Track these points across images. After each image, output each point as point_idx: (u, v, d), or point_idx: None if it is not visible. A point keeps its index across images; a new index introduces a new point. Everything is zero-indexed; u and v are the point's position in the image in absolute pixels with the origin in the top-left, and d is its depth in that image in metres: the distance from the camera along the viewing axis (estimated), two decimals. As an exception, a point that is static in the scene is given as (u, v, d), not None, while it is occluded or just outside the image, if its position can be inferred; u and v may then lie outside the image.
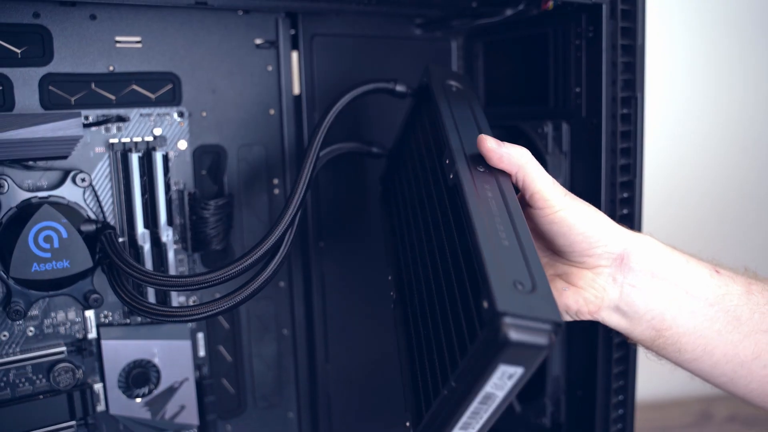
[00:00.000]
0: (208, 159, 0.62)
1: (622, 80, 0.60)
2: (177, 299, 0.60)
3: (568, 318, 0.51)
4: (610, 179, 0.61)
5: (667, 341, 0.50)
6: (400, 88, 0.58)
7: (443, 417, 0.39)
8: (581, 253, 0.49)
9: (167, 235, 0.57)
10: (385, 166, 0.64)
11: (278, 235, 0.51)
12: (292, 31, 0.64)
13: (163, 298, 0.59)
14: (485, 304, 0.36)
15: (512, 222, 0.43)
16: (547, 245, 0.51)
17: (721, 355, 0.50)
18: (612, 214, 0.61)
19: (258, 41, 0.63)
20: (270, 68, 0.64)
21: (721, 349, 0.50)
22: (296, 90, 0.65)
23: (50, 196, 0.53)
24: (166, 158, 0.57)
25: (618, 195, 0.61)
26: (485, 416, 0.38)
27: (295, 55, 0.64)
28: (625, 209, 0.62)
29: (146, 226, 0.56)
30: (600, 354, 0.62)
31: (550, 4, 0.61)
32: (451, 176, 0.46)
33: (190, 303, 0.61)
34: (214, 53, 0.61)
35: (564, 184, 0.64)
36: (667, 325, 0.50)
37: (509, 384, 0.36)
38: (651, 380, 0.78)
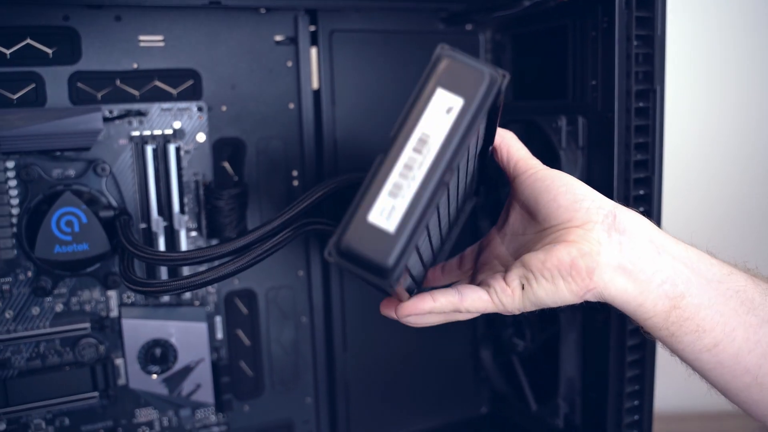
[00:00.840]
0: (227, 151, 0.65)
1: (639, 72, 0.58)
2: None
3: (561, 286, 0.43)
4: (624, 175, 0.58)
5: (684, 314, 0.44)
6: None
7: (367, 184, 0.35)
8: (567, 207, 0.45)
9: (180, 222, 0.60)
10: None
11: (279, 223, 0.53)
12: (312, 28, 0.66)
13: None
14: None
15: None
16: (533, 216, 0.48)
17: (743, 341, 0.44)
18: (625, 212, 0.59)
19: (278, 38, 0.65)
20: (289, 64, 0.66)
21: (741, 332, 0.44)
22: (315, 85, 0.67)
23: (74, 184, 0.58)
24: (178, 150, 0.61)
25: (632, 192, 0.58)
26: (419, 176, 0.34)
27: (314, 51, 0.66)
28: (641, 207, 0.59)
29: (160, 213, 0.60)
30: (612, 355, 0.60)
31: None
32: None
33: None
34: (234, 50, 0.64)
35: (580, 180, 0.62)
36: (680, 292, 0.44)
37: (448, 121, 0.34)
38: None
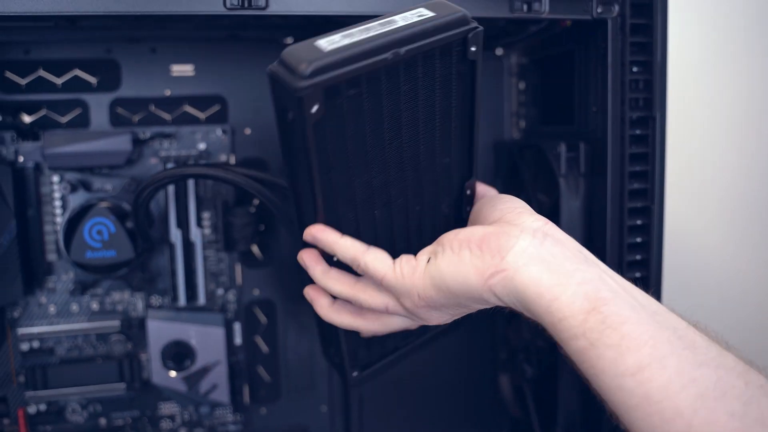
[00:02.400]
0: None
1: (639, 99, 0.57)
2: (205, 289, 0.69)
3: (467, 263, 0.41)
4: (618, 204, 0.57)
5: (605, 322, 0.37)
6: None
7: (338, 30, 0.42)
8: (503, 210, 0.45)
9: (195, 234, 0.66)
10: None
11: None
12: (333, 56, 0.70)
13: (193, 293, 0.68)
14: None
15: None
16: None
17: (675, 373, 0.36)
18: (620, 241, 0.57)
19: (301, 66, 0.70)
20: (311, 90, 0.70)
21: (674, 362, 0.36)
22: (335, 109, 0.71)
23: (109, 197, 0.65)
24: (196, 169, 0.67)
25: (627, 221, 0.57)
26: (370, 35, 0.40)
27: (334, 78, 0.70)
28: (638, 237, 0.57)
29: (179, 226, 0.66)
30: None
31: (568, 21, 0.60)
32: None
33: (219, 292, 0.70)
34: (258, 78, 0.69)
35: (582, 207, 0.62)
36: (603, 297, 0.38)
37: (413, 20, 0.41)
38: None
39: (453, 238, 0.43)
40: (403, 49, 0.40)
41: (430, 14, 0.42)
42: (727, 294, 0.89)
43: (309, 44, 0.40)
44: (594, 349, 0.38)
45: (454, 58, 0.44)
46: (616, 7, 0.55)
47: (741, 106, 0.88)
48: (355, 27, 0.41)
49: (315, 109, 0.38)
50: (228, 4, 0.49)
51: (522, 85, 0.74)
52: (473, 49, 0.44)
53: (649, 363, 0.36)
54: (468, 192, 0.50)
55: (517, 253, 0.40)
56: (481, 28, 0.43)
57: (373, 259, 0.44)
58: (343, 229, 0.45)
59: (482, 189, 0.52)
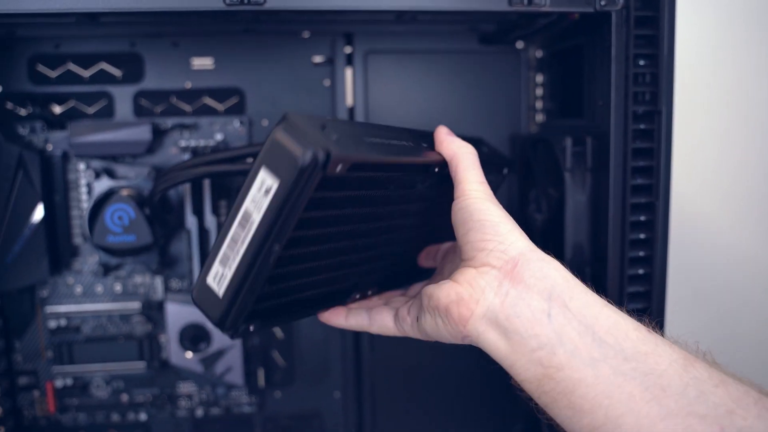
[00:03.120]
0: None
1: (643, 93, 0.56)
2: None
3: (439, 325, 0.44)
4: (621, 200, 0.56)
5: (557, 387, 0.39)
6: None
7: (213, 249, 0.40)
8: (473, 246, 0.44)
9: (210, 222, 0.69)
10: None
11: None
12: (348, 50, 0.71)
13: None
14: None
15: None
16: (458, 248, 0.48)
17: (631, 430, 0.37)
18: (621, 238, 0.57)
19: (317, 60, 0.71)
20: (327, 83, 0.72)
21: (631, 421, 0.37)
22: (350, 102, 0.72)
23: (131, 184, 0.68)
24: (212, 159, 0.69)
25: (629, 217, 0.56)
26: (242, 247, 0.38)
27: (349, 71, 0.71)
28: (641, 233, 0.57)
29: (194, 213, 0.68)
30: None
31: (576, 14, 0.59)
32: None
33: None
34: (276, 70, 0.71)
35: (588, 202, 0.61)
36: (557, 363, 0.39)
37: (266, 202, 0.36)
38: None
39: (428, 302, 0.45)
40: (283, 239, 0.39)
41: (275, 182, 0.36)
42: (735, 292, 0.86)
43: (205, 286, 0.40)
44: (552, 408, 0.40)
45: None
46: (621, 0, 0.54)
47: (752, 101, 0.85)
48: (224, 241, 0.39)
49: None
50: (227, 0, 0.51)
51: (540, 79, 0.74)
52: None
53: (603, 424, 0.38)
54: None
55: (477, 320, 0.42)
56: (333, 153, 0.37)
57: (378, 327, 0.51)
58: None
59: (460, 174, 0.49)
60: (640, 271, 0.57)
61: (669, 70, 0.55)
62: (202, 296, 0.40)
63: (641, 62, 0.56)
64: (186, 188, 0.68)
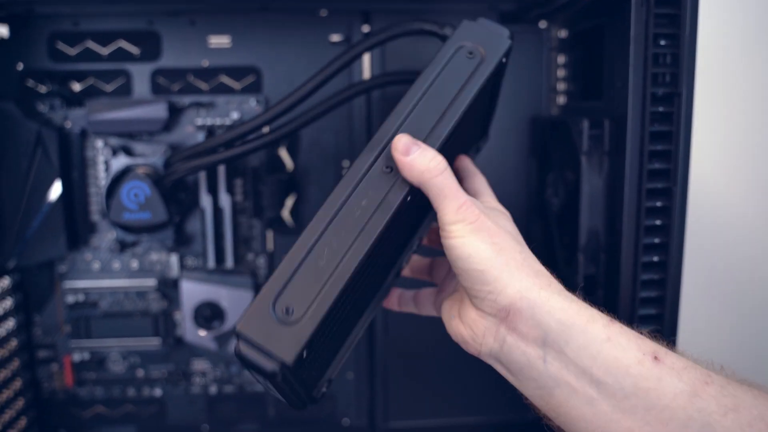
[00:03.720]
0: (283, 141, 0.72)
1: (665, 74, 0.54)
2: (234, 254, 0.72)
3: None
4: (637, 185, 0.55)
5: (558, 418, 0.42)
6: (448, 31, 0.55)
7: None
8: (466, 289, 0.44)
9: (224, 200, 0.69)
10: None
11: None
12: (366, 28, 0.70)
13: (221, 257, 0.71)
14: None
15: (352, 244, 0.41)
16: None
17: None
18: (636, 224, 0.55)
19: (334, 39, 0.71)
20: (344, 62, 0.71)
21: None
22: (366, 82, 0.71)
23: (147, 162, 0.69)
24: (226, 138, 0.69)
25: (645, 203, 0.55)
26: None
27: (366, 50, 0.71)
28: (657, 220, 0.55)
29: (209, 191, 0.69)
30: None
31: (596, -8, 0.57)
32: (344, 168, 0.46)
33: (250, 257, 0.73)
34: (293, 50, 0.71)
35: (604, 187, 0.60)
36: (556, 402, 0.41)
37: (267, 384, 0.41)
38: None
39: (446, 324, 0.49)
40: None
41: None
42: (753, 282, 0.84)
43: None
44: (556, 428, 0.44)
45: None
46: (641, -23, 0.53)
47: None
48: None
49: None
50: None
51: (562, 60, 0.72)
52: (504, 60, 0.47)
53: None
54: None
55: (484, 356, 0.45)
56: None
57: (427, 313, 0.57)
58: None
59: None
60: (655, 258, 0.56)
61: (691, 50, 0.53)
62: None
63: (662, 42, 0.54)
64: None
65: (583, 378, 0.40)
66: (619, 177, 0.58)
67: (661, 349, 0.40)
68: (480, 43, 0.49)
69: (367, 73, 0.71)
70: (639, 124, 0.54)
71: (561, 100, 0.73)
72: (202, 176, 0.68)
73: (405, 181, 0.43)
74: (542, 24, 0.72)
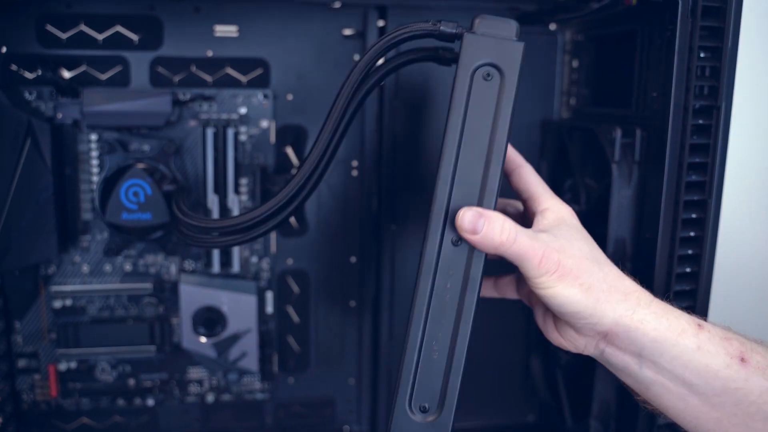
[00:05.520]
0: (290, 138, 0.68)
1: (704, 87, 0.54)
2: (240, 257, 0.68)
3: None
4: (674, 197, 0.55)
5: (654, 405, 0.47)
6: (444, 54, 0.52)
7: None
8: (565, 319, 0.47)
9: (233, 201, 0.65)
10: None
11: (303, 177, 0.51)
12: (381, 23, 0.67)
13: (227, 259, 0.67)
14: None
15: (456, 329, 0.45)
16: None
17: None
18: (672, 235, 0.55)
19: (347, 32, 0.67)
20: (356, 57, 0.68)
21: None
22: (380, 79, 0.68)
23: (146, 158, 0.64)
24: (236, 135, 0.65)
25: (681, 215, 0.55)
26: None
27: (380, 46, 0.68)
28: (691, 231, 0.55)
29: (216, 191, 0.65)
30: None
31: (633, 0, 0.57)
32: (423, 240, 0.44)
33: (253, 260, 0.69)
34: (303, 42, 0.67)
35: (633, 196, 0.59)
36: (651, 396, 0.46)
37: None
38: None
39: (540, 326, 0.53)
40: None
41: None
42: None
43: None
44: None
45: None
46: (689, -12, 0.52)
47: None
48: None
49: None
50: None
51: (575, 63, 0.71)
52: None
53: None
54: None
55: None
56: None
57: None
58: None
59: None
60: (687, 270, 0.56)
61: (731, 64, 0.53)
62: None
63: (701, 54, 0.54)
64: (208, 166, 0.64)
65: (676, 381, 0.44)
66: (650, 187, 0.58)
67: (746, 351, 0.44)
68: (492, 58, 0.46)
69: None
70: (679, 136, 0.54)
71: (571, 103, 0.72)
72: (210, 176, 0.64)
73: (478, 251, 0.44)
74: (552, 26, 0.71)
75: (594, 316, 0.45)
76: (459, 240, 0.44)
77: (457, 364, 0.43)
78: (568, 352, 0.68)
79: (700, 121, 0.54)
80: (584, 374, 0.67)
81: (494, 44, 0.46)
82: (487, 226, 0.43)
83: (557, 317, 0.49)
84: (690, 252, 0.56)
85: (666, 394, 0.45)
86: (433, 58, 0.53)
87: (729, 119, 0.54)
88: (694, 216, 0.55)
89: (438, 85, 0.69)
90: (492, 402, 0.77)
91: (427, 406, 0.42)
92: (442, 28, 0.48)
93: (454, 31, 0.48)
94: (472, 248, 0.44)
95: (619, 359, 0.46)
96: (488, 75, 0.46)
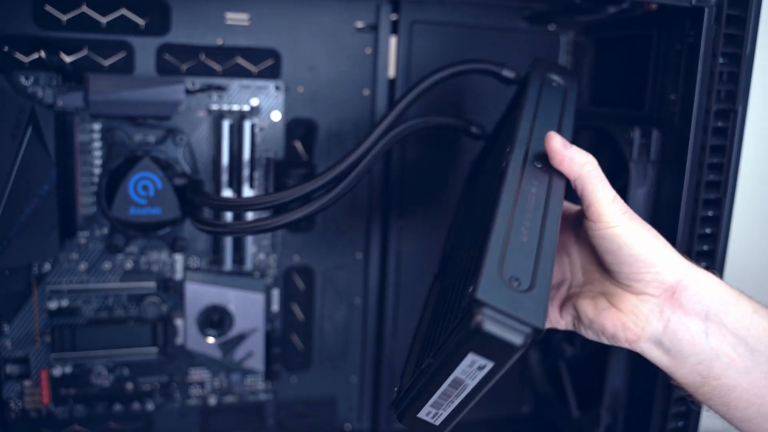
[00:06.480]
0: (300, 131, 0.67)
1: (722, 91, 0.56)
2: (253, 254, 0.66)
3: (604, 340, 0.47)
4: (693, 195, 0.57)
5: (714, 392, 0.45)
6: (507, 73, 0.57)
7: (417, 391, 0.40)
8: (628, 276, 0.45)
9: (248, 195, 0.63)
10: (480, 150, 0.65)
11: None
12: (394, 17, 0.67)
13: (240, 258, 0.65)
14: (470, 290, 0.36)
15: (543, 221, 0.42)
16: (599, 261, 0.48)
17: None
18: (690, 233, 0.58)
19: (359, 25, 0.66)
20: (368, 51, 0.67)
21: None
22: (391, 73, 0.68)
23: (153, 150, 0.61)
24: (253, 127, 0.63)
25: (700, 213, 0.57)
26: (456, 401, 0.39)
27: (393, 40, 0.67)
28: (707, 228, 0.58)
29: (230, 185, 0.62)
30: (660, 374, 0.59)
31: (654, 5, 0.59)
32: (503, 164, 0.46)
33: (261, 257, 0.67)
34: (316, 33, 0.65)
35: (649, 195, 0.62)
36: (715, 374, 0.44)
37: (480, 375, 0.36)
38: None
39: (589, 323, 0.47)
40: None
41: (489, 363, 0.36)
42: None
43: (415, 419, 0.41)
44: (707, 402, 0.46)
45: None
46: (715, -4, 0.55)
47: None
48: (435, 393, 0.39)
49: None
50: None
51: (577, 64, 0.73)
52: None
53: (755, 417, 0.45)
54: None
55: (642, 342, 0.45)
56: (543, 331, 0.38)
57: None
58: None
59: (589, 197, 0.47)
60: (703, 264, 0.58)
61: (748, 70, 0.56)
62: (413, 423, 0.41)
63: (720, 60, 0.56)
64: (223, 160, 0.61)
65: (740, 347, 0.44)
66: (664, 186, 0.60)
67: None
68: (556, 73, 0.54)
69: (392, 68, 0.67)
70: (700, 138, 0.56)
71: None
72: (224, 170, 0.61)
73: (560, 174, 0.45)
74: (551, 27, 0.72)
75: (664, 260, 0.44)
76: (540, 164, 0.45)
77: (548, 248, 0.40)
78: (573, 344, 0.71)
79: (719, 124, 0.57)
80: (590, 367, 0.69)
81: (556, 68, 0.56)
82: (575, 148, 0.45)
83: (607, 294, 0.47)
84: (705, 248, 0.59)
85: (730, 370, 0.43)
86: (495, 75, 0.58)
87: (744, 121, 0.57)
88: (710, 214, 0.58)
89: (451, 82, 0.68)
90: (487, 395, 0.78)
91: (519, 278, 0.37)
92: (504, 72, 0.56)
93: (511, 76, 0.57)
94: (554, 171, 0.45)
95: (685, 329, 0.44)
96: (556, 84, 0.53)
